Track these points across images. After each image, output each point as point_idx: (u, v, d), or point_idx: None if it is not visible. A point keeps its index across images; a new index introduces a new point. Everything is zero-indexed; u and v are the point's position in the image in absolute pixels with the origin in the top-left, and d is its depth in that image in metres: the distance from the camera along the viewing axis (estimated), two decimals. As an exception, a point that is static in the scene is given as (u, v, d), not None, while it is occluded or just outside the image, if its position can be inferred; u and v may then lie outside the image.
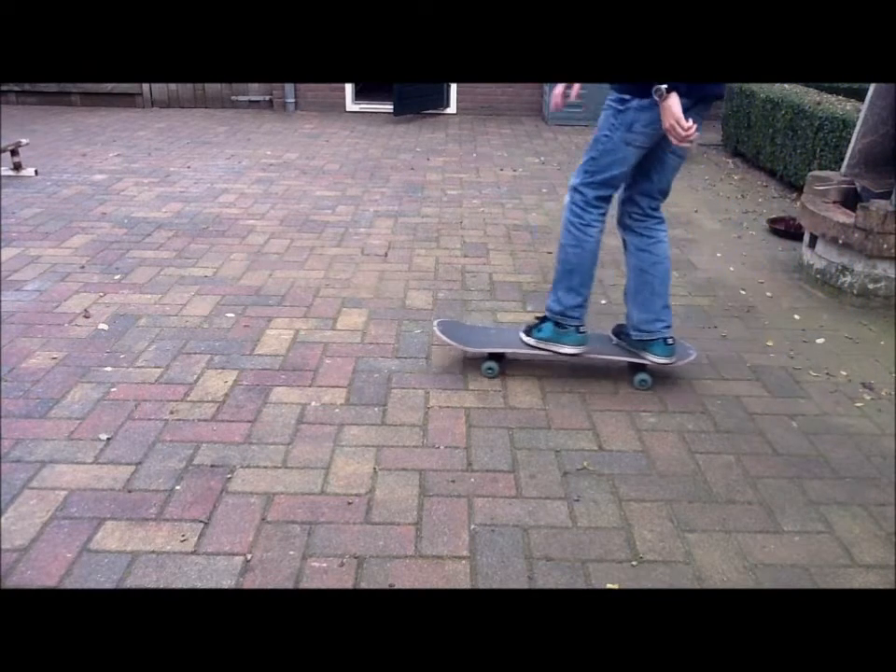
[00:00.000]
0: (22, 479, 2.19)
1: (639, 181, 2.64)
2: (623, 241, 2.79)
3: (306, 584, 1.85)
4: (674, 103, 2.27)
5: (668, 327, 2.74)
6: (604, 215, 2.63)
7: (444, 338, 2.88)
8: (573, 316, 2.70)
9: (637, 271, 2.74)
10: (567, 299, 2.69)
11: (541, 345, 2.75)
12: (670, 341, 2.73)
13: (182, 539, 1.98)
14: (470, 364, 2.93)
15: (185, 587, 1.83)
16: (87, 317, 3.25)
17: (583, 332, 2.72)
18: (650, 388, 2.78)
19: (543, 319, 2.78)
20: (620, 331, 2.88)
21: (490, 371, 2.84)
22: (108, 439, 2.39)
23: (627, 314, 2.82)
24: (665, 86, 2.26)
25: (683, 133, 2.29)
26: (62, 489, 2.15)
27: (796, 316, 3.49)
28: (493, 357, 2.86)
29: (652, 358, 2.73)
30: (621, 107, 2.42)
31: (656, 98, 2.31)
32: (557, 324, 2.72)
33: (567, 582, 1.88)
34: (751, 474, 2.33)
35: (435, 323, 3.02)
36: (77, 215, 4.68)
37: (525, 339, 2.78)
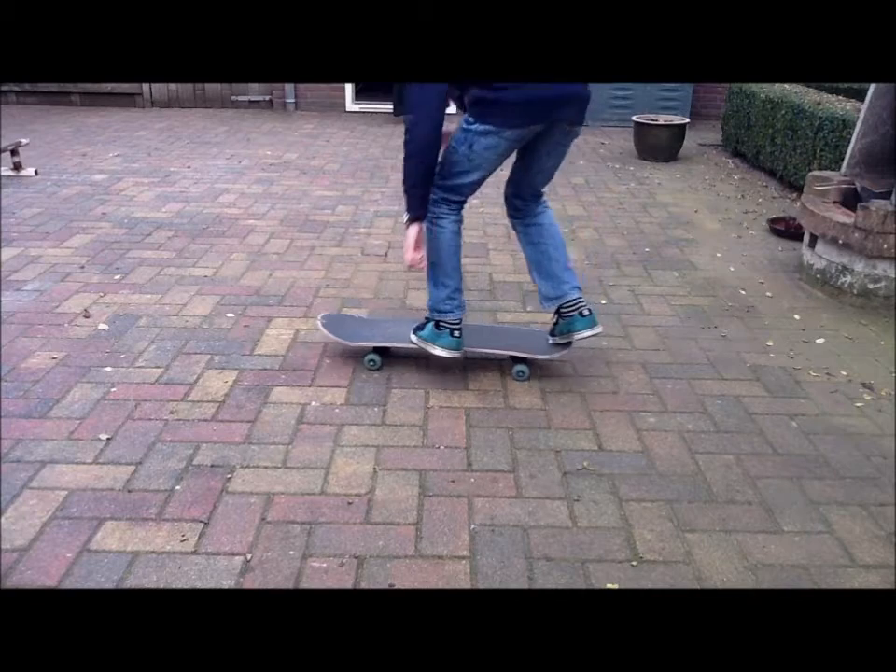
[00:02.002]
0: (22, 479, 2.19)
1: (520, 182, 2.77)
2: (514, 229, 2.90)
3: (306, 584, 1.86)
4: (409, 233, 2.54)
5: (576, 287, 2.78)
6: (455, 211, 2.66)
7: (327, 333, 2.92)
8: (445, 310, 2.70)
9: (531, 245, 2.83)
10: (437, 292, 2.72)
11: (420, 344, 2.77)
12: (585, 311, 2.76)
13: (182, 538, 1.98)
14: (471, 364, 2.94)
15: (185, 587, 1.83)
16: (87, 317, 3.25)
17: (458, 336, 2.72)
18: (527, 379, 2.83)
19: (428, 319, 2.80)
20: (553, 330, 2.88)
21: (372, 364, 2.87)
22: (108, 439, 2.39)
23: (538, 291, 2.86)
24: (406, 216, 2.53)
25: (408, 261, 2.59)
26: (62, 489, 2.15)
27: (796, 316, 3.49)
28: (377, 350, 2.89)
29: (579, 336, 2.77)
30: (466, 126, 2.48)
31: (404, 223, 2.56)
32: (437, 325, 2.72)
33: (566, 582, 1.88)
34: (751, 474, 2.33)
35: (319, 317, 3.04)
36: (77, 215, 4.68)
37: (411, 336, 2.81)
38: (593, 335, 2.78)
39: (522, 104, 2.38)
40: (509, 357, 2.89)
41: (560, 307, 2.78)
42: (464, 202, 2.68)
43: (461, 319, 2.73)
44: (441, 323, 2.71)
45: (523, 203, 2.81)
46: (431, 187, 2.54)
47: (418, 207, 2.54)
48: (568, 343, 2.84)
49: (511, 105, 2.38)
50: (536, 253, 2.82)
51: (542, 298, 2.84)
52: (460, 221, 2.69)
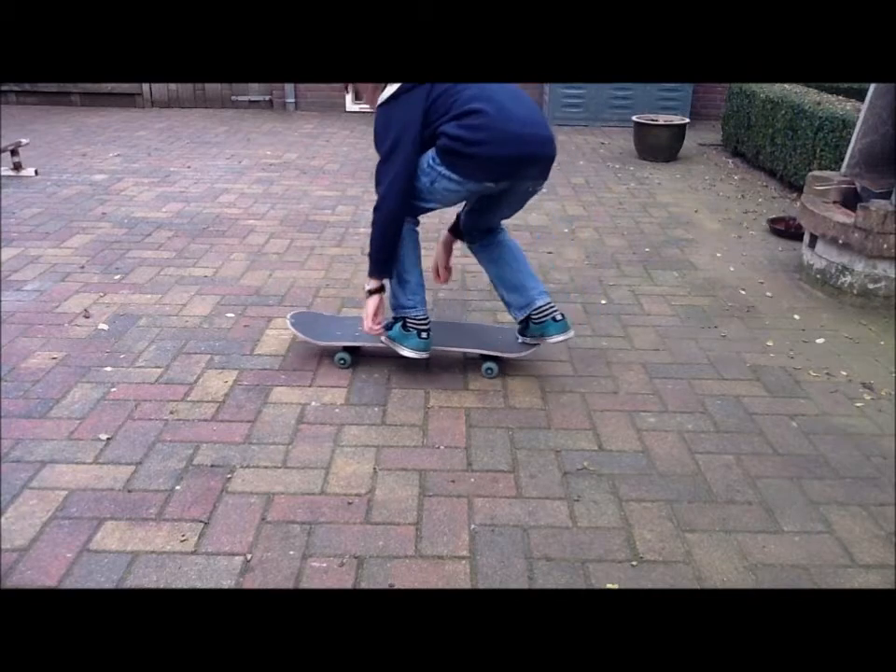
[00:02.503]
0: (22, 479, 2.19)
1: (476, 218, 2.81)
2: (472, 252, 2.95)
3: (306, 584, 1.86)
4: (369, 304, 2.67)
5: (543, 293, 2.79)
6: (411, 218, 2.68)
7: (296, 332, 2.93)
8: (409, 306, 2.71)
9: (491, 263, 2.86)
10: (399, 289, 2.73)
11: (389, 344, 2.77)
12: (558, 317, 2.77)
13: (182, 538, 1.98)
14: (471, 364, 2.94)
15: (185, 587, 1.83)
16: (87, 317, 3.25)
17: (425, 338, 2.72)
18: (496, 376, 2.84)
19: (396, 318, 2.80)
20: (522, 330, 2.88)
21: (342, 362, 2.88)
22: (108, 439, 2.39)
23: (506, 305, 2.87)
24: (368, 286, 2.65)
25: (367, 329, 2.70)
26: (62, 489, 2.15)
27: (796, 316, 3.49)
28: (348, 349, 2.90)
29: (552, 340, 2.77)
30: (432, 164, 2.50)
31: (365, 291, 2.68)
32: (404, 325, 2.73)
33: (566, 582, 1.88)
34: (751, 474, 2.33)
35: (288, 316, 3.05)
36: (77, 215, 4.68)
37: (382, 335, 2.81)
38: (566, 339, 2.80)
39: (491, 162, 2.44)
40: (479, 356, 2.90)
41: (530, 314, 2.78)
42: (420, 210, 2.71)
43: (427, 317, 2.74)
44: (408, 322, 2.72)
45: (478, 233, 2.86)
46: (396, 254, 2.62)
47: (381, 273, 2.64)
48: (537, 343, 2.85)
49: (481, 162, 2.44)
50: (498, 268, 2.85)
51: (513, 309, 2.84)
52: (417, 223, 2.71)
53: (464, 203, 2.80)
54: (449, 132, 2.41)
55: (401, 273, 2.69)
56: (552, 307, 2.76)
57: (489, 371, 2.85)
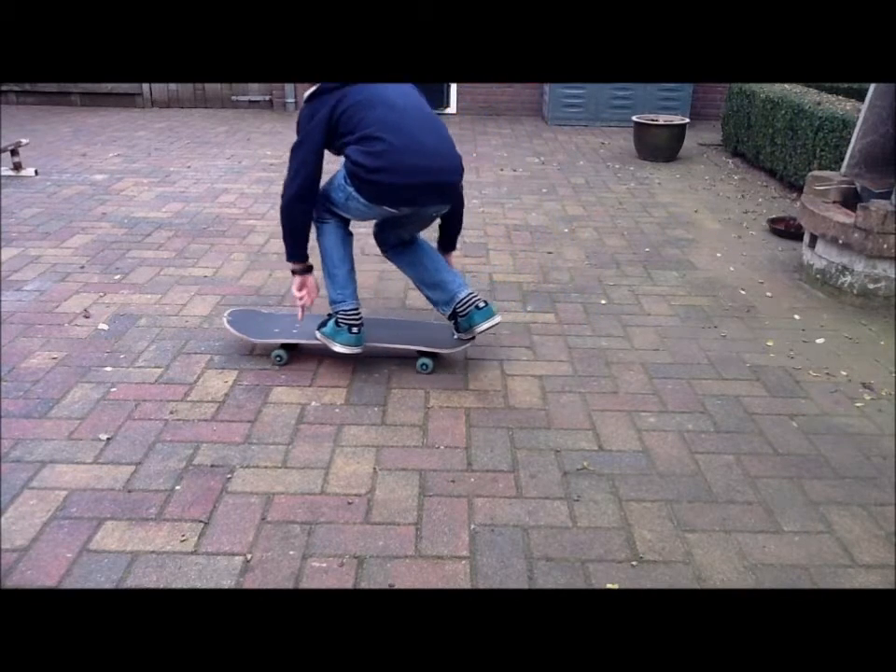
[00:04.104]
0: (22, 479, 2.19)
1: (386, 232, 2.87)
2: (388, 259, 2.99)
3: (306, 584, 1.86)
4: (294, 283, 2.73)
5: (463, 284, 2.82)
6: (336, 218, 2.73)
7: (233, 331, 2.94)
8: (339, 300, 2.74)
9: (409, 266, 2.90)
10: (330, 284, 2.77)
11: (323, 340, 2.79)
12: (481, 304, 2.79)
13: (182, 538, 1.98)
14: (471, 364, 2.94)
15: (185, 587, 1.83)
16: (87, 317, 3.25)
17: (356, 333, 2.74)
18: (431, 371, 2.85)
19: (330, 314, 2.83)
20: (456, 327, 2.89)
21: (279, 359, 2.89)
22: (108, 439, 2.39)
23: (433, 304, 2.90)
24: (291, 269, 2.71)
25: (297, 301, 2.75)
26: (62, 489, 2.15)
27: (796, 316, 3.49)
28: (285, 346, 2.91)
29: (479, 329, 2.79)
30: (343, 182, 2.58)
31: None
32: (337, 322, 2.76)
33: (566, 582, 1.88)
34: (751, 474, 2.33)
35: (225, 315, 3.06)
36: (77, 215, 4.68)
37: (315, 333, 2.83)
38: (493, 325, 2.81)
39: (391, 190, 2.50)
40: (415, 352, 2.90)
41: (455, 308, 2.80)
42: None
43: (358, 311, 2.76)
44: (340, 318, 2.74)
45: (390, 245, 2.92)
46: (306, 237, 2.65)
47: (291, 256, 2.68)
48: (472, 337, 2.86)
49: (382, 189, 2.50)
50: (416, 269, 2.88)
51: (439, 306, 2.87)
52: (345, 223, 2.75)
53: None
54: (352, 156, 2.50)
55: (329, 268, 2.75)
56: (473, 296, 2.79)
57: (424, 367, 2.86)
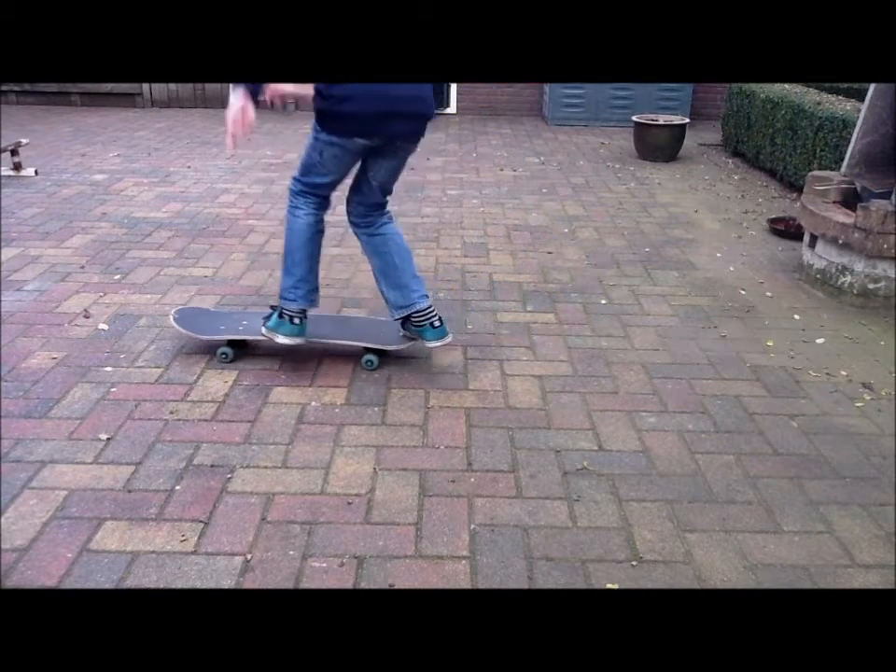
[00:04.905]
0: (22, 479, 2.19)
1: (360, 189, 2.81)
2: (358, 238, 2.91)
3: (306, 584, 1.86)
4: (232, 98, 2.61)
5: (425, 296, 2.80)
6: (314, 206, 2.72)
7: (179, 328, 2.94)
8: (290, 298, 2.73)
9: (376, 255, 2.86)
10: (284, 280, 2.76)
11: (268, 335, 2.78)
12: (437, 323, 2.78)
13: (182, 538, 1.98)
14: (471, 364, 2.94)
15: (185, 587, 1.83)
16: (87, 317, 3.25)
17: (298, 323, 2.74)
18: (375, 368, 2.86)
19: (274, 307, 2.83)
20: (403, 324, 2.88)
21: (224, 357, 2.89)
22: (108, 439, 2.39)
23: (385, 300, 2.87)
24: (236, 88, 2.60)
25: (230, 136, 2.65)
26: (62, 489, 2.15)
27: (796, 316, 3.49)
28: (232, 343, 2.91)
29: (429, 344, 2.80)
30: (315, 135, 2.57)
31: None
32: (281, 314, 2.75)
33: (566, 582, 1.88)
34: (751, 474, 2.33)
35: (171, 312, 3.07)
36: (77, 215, 4.68)
37: (262, 329, 2.82)
38: (441, 345, 2.82)
39: (359, 117, 2.47)
40: (361, 348, 2.91)
41: (410, 315, 2.79)
42: (325, 199, 2.74)
43: (304, 309, 2.76)
44: (285, 311, 2.74)
45: (366, 210, 2.83)
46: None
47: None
48: (415, 338, 2.86)
49: (348, 117, 2.47)
50: (382, 263, 2.84)
51: (392, 307, 2.84)
52: (319, 218, 2.74)
53: (352, 182, 2.81)
54: (322, 91, 2.47)
55: (290, 266, 2.73)
56: (431, 312, 2.77)
57: (369, 364, 2.87)
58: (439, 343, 2.79)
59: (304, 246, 2.73)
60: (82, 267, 3.83)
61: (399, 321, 2.85)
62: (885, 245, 3.44)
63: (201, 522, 2.05)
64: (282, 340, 2.74)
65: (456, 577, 1.89)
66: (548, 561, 1.95)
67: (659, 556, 1.98)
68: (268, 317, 2.82)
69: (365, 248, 2.90)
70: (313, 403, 2.64)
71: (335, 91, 2.43)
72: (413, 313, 2.77)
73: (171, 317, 3.02)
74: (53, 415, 2.51)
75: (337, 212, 4.90)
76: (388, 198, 2.84)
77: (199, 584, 1.84)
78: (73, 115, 8.01)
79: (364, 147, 2.57)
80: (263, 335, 2.80)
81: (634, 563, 1.95)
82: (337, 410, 2.61)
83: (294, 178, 2.72)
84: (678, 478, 2.30)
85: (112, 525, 2.02)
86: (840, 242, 3.60)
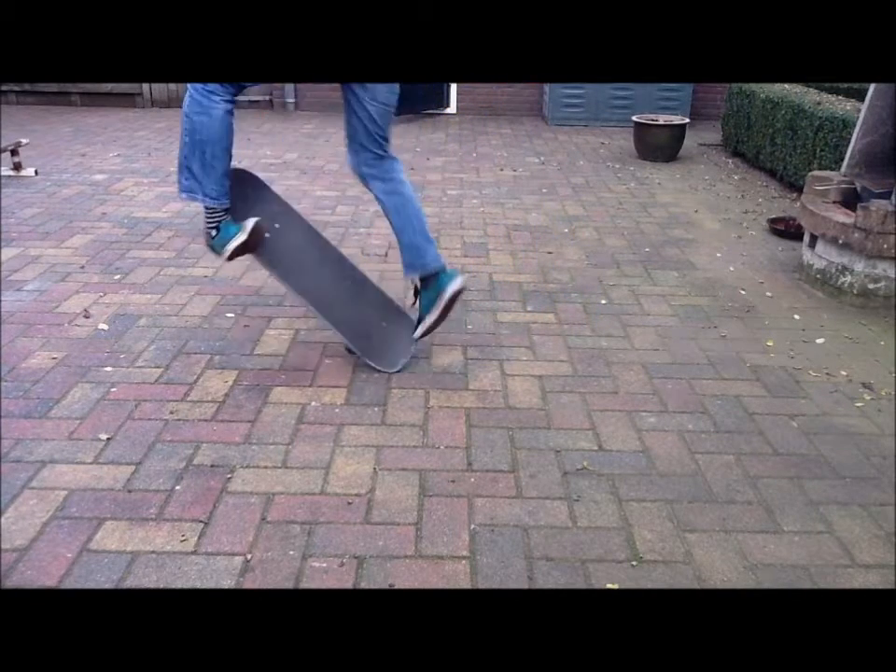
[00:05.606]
0: (22, 479, 2.19)
1: (354, 133, 2.81)
2: (372, 192, 2.87)
3: (306, 584, 1.86)
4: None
5: (437, 259, 2.82)
6: (230, 91, 2.61)
7: None
8: (214, 196, 2.64)
9: (395, 213, 2.83)
10: (204, 179, 2.62)
11: (221, 252, 2.65)
12: (448, 270, 2.82)
13: (182, 539, 1.98)
14: (471, 364, 2.94)
15: (185, 587, 1.83)
16: (87, 317, 3.25)
17: (235, 222, 2.66)
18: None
19: (209, 222, 2.70)
20: (415, 297, 2.91)
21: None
22: (108, 439, 2.39)
23: (402, 260, 2.87)
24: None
25: None
26: (62, 489, 2.15)
27: (796, 316, 3.49)
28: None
29: (448, 292, 2.77)
30: None
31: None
32: (216, 227, 2.65)
33: (566, 582, 1.88)
34: (751, 474, 2.33)
35: None
36: (77, 215, 4.68)
37: (211, 252, 2.74)
38: (460, 289, 2.80)
39: None
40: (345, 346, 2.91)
41: (422, 277, 2.81)
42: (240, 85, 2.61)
43: (228, 207, 2.68)
44: (209, 217, 2.66)
45: (371, 158, 2.81)
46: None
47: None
48: (410, 352, 2.88)
49: None
50: (400, 223, 2.81)
51: (405, 267, 2.85)
52: (234, 104, 2.64)
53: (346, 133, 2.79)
54: None
55: (210, 158, 2.60)
56: (440, 259, 2.80)
57: (351, 352, 2.88)
58: (454, 287, 2.77)
59: (224, 138, 2.63)
60: (82, 267, 3.83)
61: (415, 301, 2.87)
62: (885, 245, 3.44)
63: (201, 522, 2.05)
64: (234, 243, 2.63)
65: (456, 577, 1.89)
66: (548, 561, 1.95)
67: (659, 556, 1.98)
68: (211, 246, 2.71)
69: (382, 206, 2.86)
70: (313, 403, 2.64)
71: None
72: (429, 272, 2.79)
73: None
74: (53, 415, 2.51)
75: (336, 212, 4.91)
76: (388, 143, 2.85)
77: (199, 584, 1.84)
78: (73, 115, 8.01)
79: None
80: (217, 254, 2.69)
81: (634, 563, 1.95)
82: (337, 410, 2.61)
83: (191, 88, 2.58)
84: (678, 478, 2.30)
85: (112, 525, 2.02)
86: (840, 242, 3.60)
